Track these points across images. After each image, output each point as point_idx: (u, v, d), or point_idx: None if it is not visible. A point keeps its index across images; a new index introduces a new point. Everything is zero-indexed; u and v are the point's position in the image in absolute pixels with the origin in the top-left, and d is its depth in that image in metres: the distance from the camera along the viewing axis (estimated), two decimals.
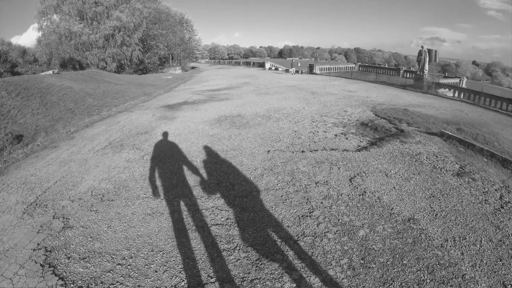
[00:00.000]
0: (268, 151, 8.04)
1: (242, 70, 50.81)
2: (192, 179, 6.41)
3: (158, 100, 18.37)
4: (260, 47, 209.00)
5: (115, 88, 21.36)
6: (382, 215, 4.88)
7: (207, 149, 8.34)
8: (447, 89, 24.37)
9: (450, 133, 8.98)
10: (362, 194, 5.56)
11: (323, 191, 5.75)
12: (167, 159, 7.71)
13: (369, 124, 10.53)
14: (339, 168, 6.77)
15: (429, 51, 26.10)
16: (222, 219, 4.93)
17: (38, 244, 4.51)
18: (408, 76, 32.48)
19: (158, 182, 6.35)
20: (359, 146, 8.32)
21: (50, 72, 25.07)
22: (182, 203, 5.45)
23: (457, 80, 31.04)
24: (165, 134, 9.98)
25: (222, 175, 6.51)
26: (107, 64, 37.09)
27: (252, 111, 13.38)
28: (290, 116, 12.12)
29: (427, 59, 26.09)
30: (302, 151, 7.92)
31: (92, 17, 38.16)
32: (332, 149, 8.04)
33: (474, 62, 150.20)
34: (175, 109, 14.59)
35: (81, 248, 4.36)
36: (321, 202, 5.34)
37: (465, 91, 22.56)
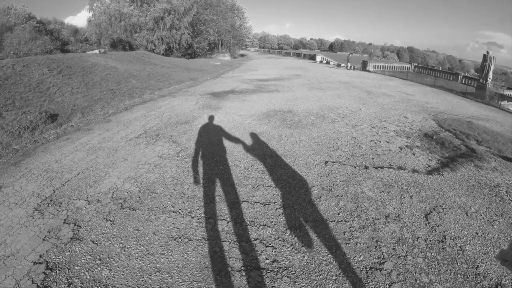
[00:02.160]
0: (326, 162, 6.83)
1: (292, 61, 49.44)
2: (232, 193, 5.32)
3: (204, 86, 17.54)
4: (311, 39, 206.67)
5: (161, 71, 20.82)
6: (467, 277, 3.68)
7: (253, 151, 7.26)
8: (511, 102, 22.36)
9: None
10: (442, 241, 4.31)
11: (395, 230, 4.50)
12: (205, 160, 6.69)
13: (434, 137, 9.23)
14: (411, 197, 5.50)
15: (484, 56, 24.05)
16: (268, 260, 3.79)
17: (40, 256, 3.73)
18: (467, 82, 30.29)
19: (191, 191, 5.31)
20: (429, 166, 7.02)
21: (97, 51, 24.97)
22: (218, 227, 4.37)
23: None
24: (207, 127, 8.99)
25: (270, 192, 5.38)
26: (156, 46, 37.15)
27: (305, 107, 12.23)
28: (347, 118, 10.86)
29: (492, 67, 24.03)
30: (366, 167, 6.65)
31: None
32: (400, 168, 6.74)
33: None
34: (221, 98, 13.65)
35: (86, 273, 3.48)
36: (394, 249, 4.10)
37: None
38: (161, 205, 4.90)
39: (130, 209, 4.76)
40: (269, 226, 4.41)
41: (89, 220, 4.45)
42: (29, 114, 9.59)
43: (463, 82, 31.45)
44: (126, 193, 5.24)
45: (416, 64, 44.40)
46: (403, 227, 4.59)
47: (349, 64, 36.69)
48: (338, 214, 4.81)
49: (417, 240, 4.29)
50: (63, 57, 17.13)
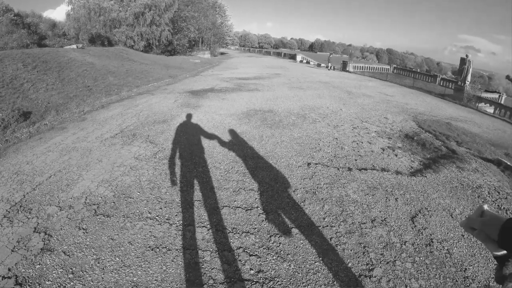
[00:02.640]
0: (309, 164, 6.63)
1: (272, 60, 49.29)
2: (212, 197, 5.04)
3: (183, 84, 17.15)
4: (291, 38, 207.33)
5: (140, 68, 20.34)
6: (456, 280, 3.61)
7: (234, 152, 7.01)
8: (487, 104, 22.88)
9: (509, 163, 7.75)
10: (429, 244, 4.21)
11: (382, 235, 4.35)
12: (184, 161, 6.38)
13: (415, 138, 9.25)
14: (396, 199, 5.38)
15: (463, 59, 24.61)
16: (252, 271, 3.54)
17: (9, 270, 3.41)
18: (445, 84, 30.83)
19: (169, 196, 5.00)
20: (411, 167, 6.98)
21: (74, 46, 24.16)
22: (198, 235, 4.08)
23: (496, 96, 29.16)
24: (185, 127, 8.68)
25: (252, 196, 5.13)
26: (135, 42, 36.42)
27: (285, 107, 12.06)
28: (328, 118, 10.75)
29: (470, 70, 24.55)
30: (349, 169, 6.50)
31: None
32: (384, 170, 6.63)
33: (508, 77, 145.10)
34: (200, 96, 13.32)
35: None
36: (382, 254, 3.94)
37: (508, 109, 21.04)
38: (137, 211, 4.56)
39: (104, 216, 4.42)
40: (252, 233, 4.17)
41: (61, 229, 4.10)
42: (1, 112, 9.08)
43: (441, 84, 32.07)
44: (100, 198, 4.89)
45: (395, 65, 45.07)
46: (390, 231, 4.46)
47: (329, 64, 36.75)
48: (324, 219, 4.63)
49: (404, 244, 4.17)
50: (39, 51, 16.45)
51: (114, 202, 4.76)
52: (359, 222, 4.60)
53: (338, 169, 6.46)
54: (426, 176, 6.48)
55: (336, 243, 4.10)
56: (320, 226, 4.42)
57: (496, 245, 0.96)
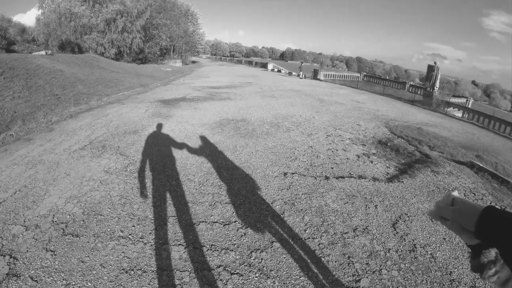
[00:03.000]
0: (285, 174, 6.49)
1: (244, 69, 49.01)
2: (188, 212, 4.78)
3: (154, 93, 16.75)
4: (263, 47, 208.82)
5: (110, 76, 19.76)
6: (443, 284, 3.60)
7: (207, 163, 6.77)
8: (456, 109, 23.67)
9: (481, 165, 7.98)
10: (413, 250, 4.19)
11: (365, 244, 4.26)
12: (156, 174, 6.09)
13: (388, 144, 9.35)
14: (376, 206, 5.34)
15: (430, 67, 25.47)
16: None
17: None
18: (414, 91, 31.68)
19: (141, 212, 4.69)
20: (388, 173, 7.01)
21: (43, 52, 23.40)
22: (174, 254, 3.82)
23: (463, 100, 30.27)
24: (157, 137, 8.39)
25: (229, 210, 4.92)
26: (106, 49, 35.49)
27: (258, 116, 11.92)
28: (301, 126, 10.70)
29: (439, 76, 25.38)
30: (326, 177, 6.40)
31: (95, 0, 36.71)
32: (361, 177, 6.60)
33: (473, 82, 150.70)
34: (172, 106, 12.99)
35: None
36: (367, 263, 3.85)
37: (475, 112, 21.88)
38: (109, 229, 4.24)
39: (73, 236, 4.07)
40: (232, 250, 3.96)
41: (27, 251, 3.74)
42: None
43: (410, 90, 32.89)
44: (68, 216, 4.52)
45: (365, 73, 45.90)
46: (372, 239, 4.40)
47: (301, 73, 36.94)
48: (305, 230, 4.48)
49: (388, 252, 4.11)
50: (6, 57, 15.70)
51: (83, 220, 4.42)
52: (341, 232, 4.50)
53: (316, 178, 6.36)
54: (403, 182, 6.51)
55: (320, 255, 3.96)
56: (302, 239, 4.28)
57: (472, 235, 0.86)
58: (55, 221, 4.38)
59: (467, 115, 22.40)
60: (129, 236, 4.12)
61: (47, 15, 35.74)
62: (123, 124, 9.55)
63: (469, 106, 26.89)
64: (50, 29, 35.17)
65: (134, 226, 4.33)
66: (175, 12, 49.62)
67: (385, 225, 4.79)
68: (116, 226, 4.31)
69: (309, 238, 4.31)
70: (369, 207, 5.30)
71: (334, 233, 4.48)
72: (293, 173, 6.54)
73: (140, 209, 4.77)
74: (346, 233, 4.50)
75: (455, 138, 11.85)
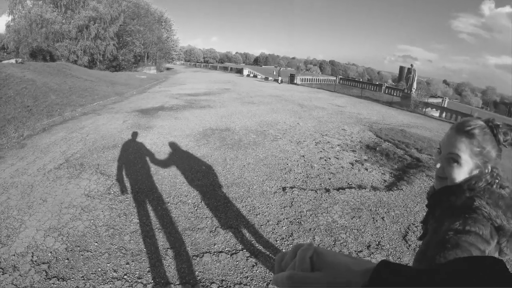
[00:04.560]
0: (284, 188, 6.08)
1: (219, 75, 48.55)
2: (188, 242, 4.25)
3: (131, 102, 16.11)
4: (236, 53, 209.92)
5: (84, 85, 18.98)
6: None
7: (198, 181, 6.26)
8: (434, 109, 24.14)
9: None
10: None
11: None
12: (144, 196, 5.49)
13: (377, 149, 9.26)
14: (383, 218, 5.08)
15: (402, 68, 26.14)
16: None
17: None
18: (391, 92, 32.13)
19: (134, 245, 4.09)
20: (385, 181, 6.84)
21: (13, 61, 22.30)
22: None
23: (439, 100, 31.01)
24: (139, 153, 7.81)
25: (233, 236, 4.42)
26: (78, 57, 34.47)
27: (242, 124, 11.52)
28: (288, 134, 10.39)
29: (416, 78, 25.88)
30: (327, 190, 6.06)
31: (67, 5, 35.67)
32: (360, 187, 6.35)
33: (445, 81, 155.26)
34: (150, 116, 12.39)
35: None
36: None
37: (453, 112, 22.34)
38: (99, 269, 3.62)
39: (58, 279, 3.44)
40: (246, 284, 3.50)
41: None
42: None
43: (386, 92, 33.26)
44: (50, 254, 3.86)
45: (341, 76, 46.27)
46: (388, 255, 4.15)
47: (280, 78, 36.82)
48: None
49: None
50: None
51: (68, 259, 3.78)
52: (355, 251, 4.19)
53: (316, 191, 5.99)
54: (402, 189, 6.35)
55: None
56: None
57: None
58: (35, 261, 3.73)
59: (445, 114, 22.78)
60: (125, 276, 3.53)
61: (17, 21, 34.61)
62: (101, 138, 8.92)
63: (445, 106, 27.46)
64: (21, 36, 34.01)
65: (128, 263, 3.74)
66: (149, 18, 48.90)
67: (397, 239, 4.57)
68: (108, 265, 3.70)
69: None
70: (376, 220, 5.04)
71: (349, 252, 4.15)
72: (291, 187, 6.15)
73: (132, 241, 4.19)
74: (361, 251, 4.20)
75: (437, 138, 11.83)
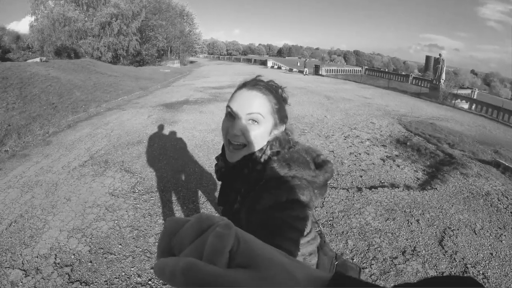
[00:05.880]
0: None
1: (243, 67, 48.25)
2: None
3: (155, 97, 16.09)
4: (259, 44, 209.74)
5: (108, 80, 19.11)
6: None
7: None
8: (463, 101, 23.20)
9: (507, 164, 7.54)
10: (465, 271, 3.75)
11: (418, 269, 3.73)
12: (169, 195, 5.32)
13: (408, 143, 8.87)
14: (418, 221, 4.76)
15: (428, 57, 25.37)
16: None
17: None
18: (418, 83, 31.19)
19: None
20: (418, 179, 6.50)
21: (38, 59, 22.67)
22: None
23: (469, 91, 29.71)
24: (164, 148, 7.69)
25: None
26: (102, 54, 35.06)
27: None
28: (316, 128, 10.13)
29: (444, 68, 24.98)
30: (358, 189, 5.78)
31: (88, 3, 36.17)
32: (393, 185, 6.04)
33: (472, 71, 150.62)
34: (175, 110, 12.31)
35: None
36: None
37: (483, 104, 21.38)
38: (123, 273, 3.48)
39: (81, 283, 3.32)
40: None
41: None
42: None
43: (413, 83, 32.30)
44: (73, 256, 3.74)
45: (366, 67, 45.23)
46: (424, 262, 3.87)
47: (306, 70, 35.97)
48: (352, 259, 3.87)
49: None
50: None
51: (91, 261, 3.65)
52: (390, 257, 3.92)
53: (348, 190, 5.72)
54: (436, 188, 5.98)
55: None
56: None
57: None
58: (58, 263, 3.63)
59: (475, 107, 21.93)
60: (149, 282, 3.37)
61: (41, 21, 35.45)
62: (125, 134, 8.87)
63: (475, 97, 26.45)
64: (45, 35, 34.79)
65: (153, 268, 3.54)
66: (170, 12, 49.19)
67: (432, 244, 4.26)
68: (132, 269, 3.55)
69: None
70: (411, 223, 4.73)
71: (384, 259, 3.89)
72: None
73: (157, 243, 3.98)
74: (396, 257, 3.92)
75: (469, 133, 11.56)
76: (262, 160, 1.23)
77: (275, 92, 1.30)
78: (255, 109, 1.21)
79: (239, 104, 1.24)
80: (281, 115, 1.29)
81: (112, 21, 34.91)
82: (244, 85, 1.30)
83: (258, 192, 1.16)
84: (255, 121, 1.21)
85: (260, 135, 1.22)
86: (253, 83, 1.28)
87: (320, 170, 1.25)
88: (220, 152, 1.43)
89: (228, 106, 1.28)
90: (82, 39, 35.03)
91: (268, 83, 1.32)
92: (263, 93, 1.24)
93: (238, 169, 1.27)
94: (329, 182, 1.34)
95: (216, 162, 1.45)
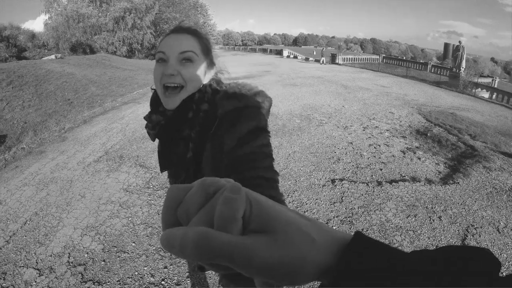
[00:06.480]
0: (333, 181, 5.67)
1: (259, 57, 47.96)
2: None
3: None
4: (275, 34, 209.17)
5: (123, 74, 19.15)
6: None
7: None
8: (484, 90, 22.45)
9: None
10: None
11: None
12: None
13: (428, 134, 8.63)
14: (440, 218, 4.58)
15: (447, 45, 24.68)
16: None
17: None
18: (437, 71, 30.45)
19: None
20: (439, 172, 6.26)
21: (53, 56, 22.81)
22: None
23: (489, 80, 28.77)
24: None
25: None
26: (117, 48, 35.21)
27: (285, 108, 11.09)
28: (334, 118, 9.91)
29: (465, 56, 24.23)
30: (378, 183, 5.60)
31: None
32: (414, 179, 5.82)
33: (492, 59, 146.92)
34: None
35: None
36: None
37: (505, 93, 20.55)
38: (136, 272, 3.41)
39: (94, 283, 3.27)
40: (299, 287, 3.16)
41: None
42: None
43: (432, 71, 31.55)
44: (86, 255, 3.69)
45: (384, 55, 44.33)
46: None
47: (323, 59, 35.37)
48: None
49: None
50: (15, 65, 15.07)
51: (104, 260, 3.60)
52: None
53: (367, 184, 5.55)
54: (458, 183, 5.75)
55: None
56: None
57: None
58: (72, 262, 3.59)
59: (496, 96, 21.23)
60: (162, 282, 3.29)
61: (55, 19, 35.68)
62: (141, 128, 8.77)
63: (496, 86, 25.64)
64: (59, 32, 35.01)
65: (166, 267, 3.49)
66: (184, 5, 48.98)
67: (455, 242, 4.14)
68: (145, 268, 3.48)
69: None
70: (433, 220, 4.56)
71: None
72: (341, 180, 5.74)
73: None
74: None
75: (490, 123, 11.09)
76: (205, 99, 1.22)
77: (204, 35, 1.32)
78: (188, 47, 1.20)
79: (171, 46, 1.21)
80: (211, 57, 1.34)
81: (125, 16, 35.03)
82: (172, 31, 1.27)
83: (218, 136, 1.14)
84: (189, 60, 1.20)
85: (196, 74, 1.22)
86: (181, 28, 1.28)
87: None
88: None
89: (159, 52, 1.22)
90: (96, 35, 35.26)
91: (195, 27, 1.31)
92: (192, 34, 1.25)
93: (182, 114, 1.21)
94: (271, 108, 1.37)
95: (147, 122, 1.33)
